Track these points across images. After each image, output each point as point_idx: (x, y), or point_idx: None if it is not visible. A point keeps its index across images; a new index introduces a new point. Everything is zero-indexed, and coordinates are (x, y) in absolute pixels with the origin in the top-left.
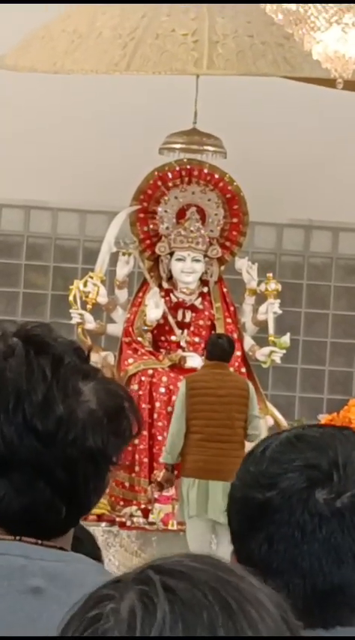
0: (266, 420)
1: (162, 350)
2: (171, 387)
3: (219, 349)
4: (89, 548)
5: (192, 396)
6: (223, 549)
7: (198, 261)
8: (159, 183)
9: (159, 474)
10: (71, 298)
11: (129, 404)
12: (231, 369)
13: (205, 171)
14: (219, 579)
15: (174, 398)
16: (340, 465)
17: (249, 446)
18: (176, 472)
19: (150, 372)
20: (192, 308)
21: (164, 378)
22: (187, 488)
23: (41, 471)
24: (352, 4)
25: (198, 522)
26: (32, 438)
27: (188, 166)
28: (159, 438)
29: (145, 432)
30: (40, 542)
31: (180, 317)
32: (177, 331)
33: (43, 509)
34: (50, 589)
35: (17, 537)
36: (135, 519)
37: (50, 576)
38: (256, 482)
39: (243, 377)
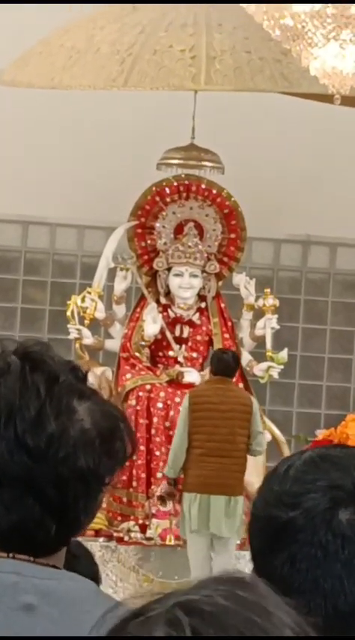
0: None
1: (159, 365)
2: (169, 402)
3: (224, 365)
4: (86, 564)
5: (194, 411)
6: (220, 563)
7: (195, 276)
8: (157, 198)
9: (161, 488)
10: (69, 313)
11: (125, 426)
12: (240, 385)
13: (203, 186)
14: (247, 622)
15: (171, 413)
16: None
17: (251, 460)
18: (179, 486)
19: (148, 387)
20: (190, 323)
21: (162, 394)
22: (189, 503)
23: (31, 487)
24: (350, 21)
25: (199, 538)
26: (23, 454)
27: (186, 182)
28: (157, 453)
29: (143, 447)
30: (32, 559)
31: (177, 332)
32: (175, 346)
33: (32, 527)
34: (42, 606)
35: (10, 555)
36: (132, 534)
37: (42, 594)
38: (279, 502)
39: (246, 392)
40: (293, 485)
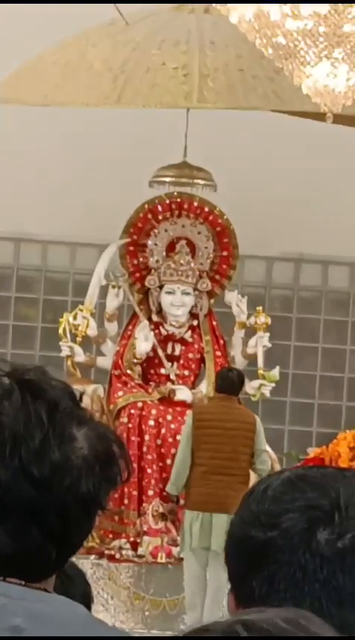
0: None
1: (151, 383)
2: (161, 419)
3: (229, 382)
4: (80, 584)
5: (198, 428)
6: (215, 576)
7: (187, 294)
8: (150, 216)
9: (154, 506)
10: (61, 331)
11: (119, 448)
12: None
13: (195, 204)
14: None
15: (163, 431)
16: (342, 505)
17: (254, 478)
18: (181, 503)
19: (140, 404)
20: (182, 341)
21: (153, 411)
22: (190, 520)
23: (35, 516)
24: (342, 40)
25: (197, 556)
26: (28, 484)
27: (178, 199)
28: (148, 470)
29: (135, 465)
30: (23, 583)
31: (169, 350)
32: (167, 364)
33: (35, 554)
34: (30, 629)
35: (1, 578)
36: (124, 552)
37: (31, 616)
38: (257, 521)
39: (250, 411)
40: (272, 505)
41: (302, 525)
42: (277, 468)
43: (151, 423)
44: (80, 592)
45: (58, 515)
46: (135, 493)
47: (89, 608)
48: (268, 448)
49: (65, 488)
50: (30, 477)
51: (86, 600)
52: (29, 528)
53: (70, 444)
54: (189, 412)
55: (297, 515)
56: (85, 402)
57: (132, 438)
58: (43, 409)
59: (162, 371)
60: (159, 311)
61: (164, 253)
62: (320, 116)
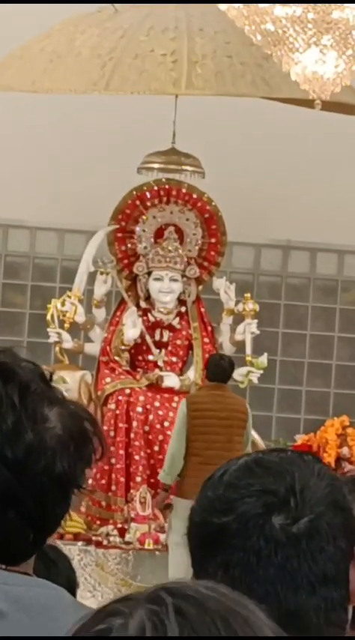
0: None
1: (139, 369)
2: (148, 406)
3: (221, 370)
4: (63, 569)
5: (194, 418)
6: None
7: (175, 280)
8: (138, 202)
9: (158, 500)
10: (49, 317)
11: (92, 426)
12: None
13: (183, 190)
14: (229, 610)
15: (151, 417)
16: (297, 490)
17: None
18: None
19: (128, 391)
20: (170, 328)
21: (141, 398)
22: (183, 509)
23: (11, 499)
24: (330, 26)
25: (183, 547)
26: (2, 467)
27: (166, 186)
28: (136, 457)
29: (122, 452)
30: (4, 567)
31: (157, 336)
32: (155, 351)
33: (12, 537)
34: (12, 612)
35: None
36: (111, 539)
37: (12, 600)
38: (213, 507)
39: (241, 398)
40: (227, 490)
41: (256, 510)
42: None
43: (139, 409)
44: (64, 576)
45: (34, 496)
46: (122, 480)
47: (74, 593)
48: (256, 435)
49: (41, 470)
50: (4, 459)
51: (71, 585)
52: (6, 511)
53: (42, 425)
54: (182, 401)
55: (252, 500)
56: (73, 388)
57: (120, 425)
58: (14, 392)
59: (150, 357)
60: (147, 297)
61: (152, 240)
62: (308, 103)
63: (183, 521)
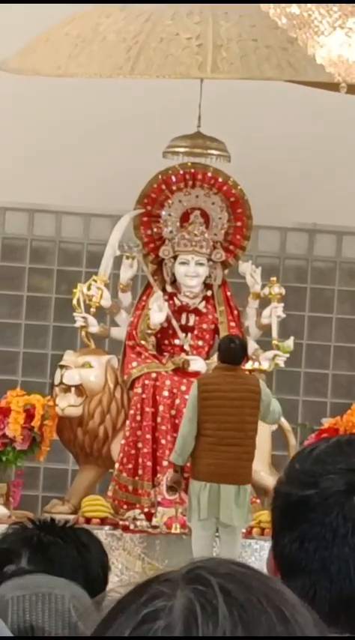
0: (269, 425)
1: (165, 353)
2: (175, 390)
3: (231, 353)
4: (96, 553)
5: (204, 399)
6: (227, 552)
7: (201, 264)
8: (163, 186)
9: (167, 477)
10: (75, 302)
11: None
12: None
13: (209, 174)
14: (268, 587)
15: (177, 401)
16: None
17: (257, 449)
18: (186, 474)
19: (154, 375)
20: (196, 312)
21: (167, 382)
22: (198, 491)
23: None
24: None
25: (206, 526)
26: None
27: (192, 170)
28: (163, 441)
29: (149, 436)
30: None
31: (183, 320)
32: (181, 335)
33: None
34: None
35: None
36: (138, 523)
37: None
38: (298, 480)
39: (254, 377)
40: (314, 465)
41: (339, 487)
42: (291, 439)
43: (165, 393)
44: (97, 560)
45: None
46: (149, 464)
47: (106, 576)
48: (282, 418)
49: None
50: None
51: (103, 569)
52: None
53: None
54: (194, 382)
55: (337, 477)
56: (99, 372)
57: (147, 409)
58: None
59: (176, 342)
60: (173, 281)
61: (178, 224)
62: (334, 86)
63: (197, 502)
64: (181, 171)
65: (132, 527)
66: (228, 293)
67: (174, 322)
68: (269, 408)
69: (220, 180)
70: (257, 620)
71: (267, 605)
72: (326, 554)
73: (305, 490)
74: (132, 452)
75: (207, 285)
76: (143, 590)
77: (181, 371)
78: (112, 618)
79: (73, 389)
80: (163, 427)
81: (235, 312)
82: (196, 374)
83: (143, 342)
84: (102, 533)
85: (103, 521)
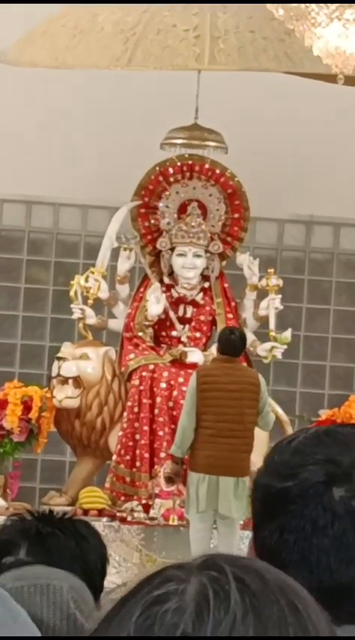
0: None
1: (163, 345)
2: (172, 382)
3: (231, 345)
4: (95, 544)
5: (203, 391)
6: (226, 544)
7: (199, 256)
8: (161, 178)
9: (165, 468)
10: (72, 293)
11: None
12: (244, 364)
13: (206, 166)
14: (283, 581)
15: (175, 393)
16: None
17: (256, 441)
18: (185, 466)
19: (152, 367)
20: (193, 303)
21: (165, 374)
22: (197, 483)
23: None
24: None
25: (204, 518)
26: None
27: (189, 161)
28: (160, 433)
29: (146, 428)
30: None
31: (181, 312)
32: (179, 326)
33: None
34: None
35: None
36: (136, 514)
37: None
38: (277, 471)
39: (254, 370)
40: (293, 456)
41: (318, 479)
42: (289, 430)
43: (163, 385)
44: (96, 552)
45: None
46: (146, 455)
47: (104, 568)
48: (280, 410)
49: None
50: None
51: (102, 561)
52: None
53: None
54: (193, 374)
55: (316, 469)
56: (96, 364)
57: (144, 401)
58: None
59: (174, 333)
60: (171, 273)
61: (175, 215)
62: (331, 78)
63: (195, 494)
64: (179, 163)
65: (129, 518)
66: (226, 285)
67: (171, 314)
68: (266, 404)
69: (217, 171)
70: (269, 609)
71: (280, 597)
72: (305, 546)
73: (285, 482)
74: (130, 444)
75: (204, 277)
76: (157, 575)
77: (179, 363)
78: (124, 602)
79: (70, 381)
80: (161, 419)
81: (233, 304)
82: (194, 366)
83: (140, 334)
84: (100, 525)
85: (101, 513)
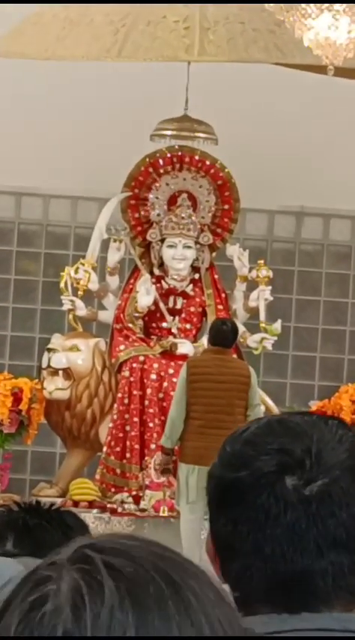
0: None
1: (153, 337)
2: (162, 373)
3: (222, 336)
4: (81, 535)
5: (193, 381)
6: None
7: (189, 247)
8: (151, 169)
9: (155, 460)
10: (62, 285)
11: None
12: (234, 356)
13: (196, 157)
14: (156, 555)
15: (165, 384)
16: (313, 453)
17: None
18: (175, 457)
19: (142, 358)
20: (184, 295)
21: (155, 365)
22: (186, 474)
23: None
24: None
25: (194, 509)
26: None
27: (179, 153)
28: (150, 424)
29: (137, 419)
30: None
31: (171, 304)
32: (169, 318)
33: None
34: None
35: None
36: (126, 506)
37: None
38: (229, 462)
39: (245, 363)
40: (245, 447)
41: (270, 468)
42: None
43: (153, 376)
44: None
45: None
46: (137, 447)
47: None
48: (270, 401)
49: None
50: None
51: None
52: None
53: None
54: (183, 365)
55: (267, 458)
56: (86, 356)
57: (134, 392)
58: None
59: (164, 325)
60: (161, 264)
61: (165, 207)
62: (321, 69)
63: (185, 485)
64: (169, 155)
65: (120, 510)
66: (216, 276)
67: (161, 305)
68: (256, 397)
69: (207, 163)
70: (144, 590)
71: (155, 573)
72: (259, 536)
73: (237, 472)
74: (120, 435)
75: (194, 268)
76: (29, 578)
77: (169, 354)
78: (1, 614)
79: (60, 372)
80: (151, 410)
81: (223, 295)
82: (184, 357)
83: (131, 326)
84: (90, 517)
85: (91, 505)
